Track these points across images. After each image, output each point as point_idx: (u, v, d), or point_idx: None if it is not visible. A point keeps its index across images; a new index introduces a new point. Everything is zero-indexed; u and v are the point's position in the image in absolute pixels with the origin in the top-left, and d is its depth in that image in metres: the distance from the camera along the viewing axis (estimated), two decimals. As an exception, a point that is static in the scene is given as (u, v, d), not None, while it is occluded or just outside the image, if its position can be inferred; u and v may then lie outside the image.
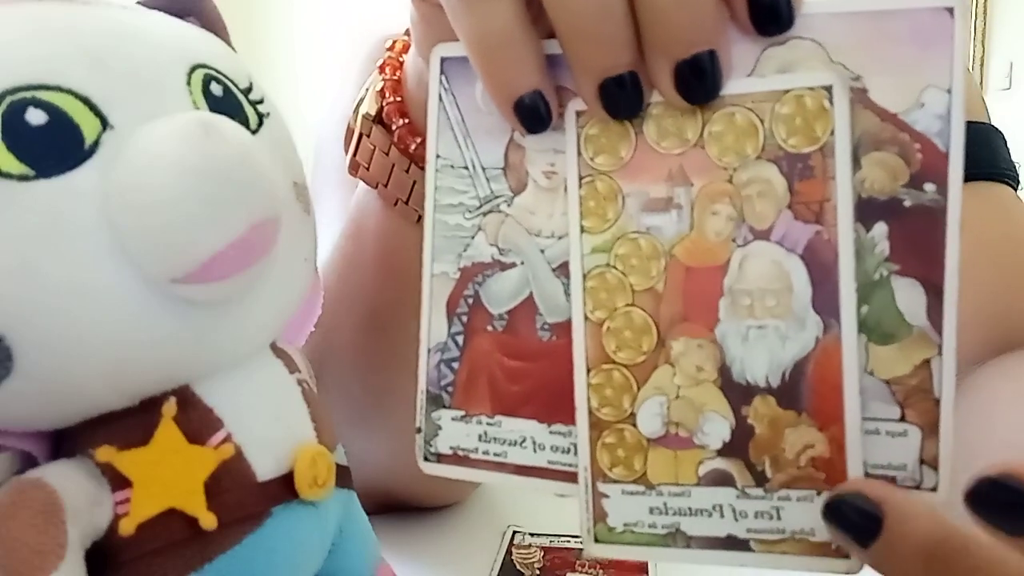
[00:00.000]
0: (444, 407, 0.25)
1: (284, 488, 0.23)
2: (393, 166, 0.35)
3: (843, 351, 0.22)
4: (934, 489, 0.22)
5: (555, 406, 0.24)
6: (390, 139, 0.35)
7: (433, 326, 0.25)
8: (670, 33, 0.22)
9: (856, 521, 0.20)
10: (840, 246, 0.22)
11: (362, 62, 0.66)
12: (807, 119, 0.22)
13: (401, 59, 0.36)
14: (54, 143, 0.19)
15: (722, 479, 0.23)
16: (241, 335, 0.23)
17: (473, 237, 0.25)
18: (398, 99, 0.35)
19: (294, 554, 0.23)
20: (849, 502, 0.21)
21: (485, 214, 0.25)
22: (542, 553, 0.41)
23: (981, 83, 2.38)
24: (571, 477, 0.24)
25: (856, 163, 0.22)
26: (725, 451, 0.23)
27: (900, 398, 0.22)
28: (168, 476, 0.21)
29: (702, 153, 0.23)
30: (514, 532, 0.43)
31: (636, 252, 0.23)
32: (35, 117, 0.19)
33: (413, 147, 0.34)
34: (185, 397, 0.22)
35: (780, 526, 0.22)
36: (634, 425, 0.23)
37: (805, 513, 0.22)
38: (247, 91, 0.24)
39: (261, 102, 0.24)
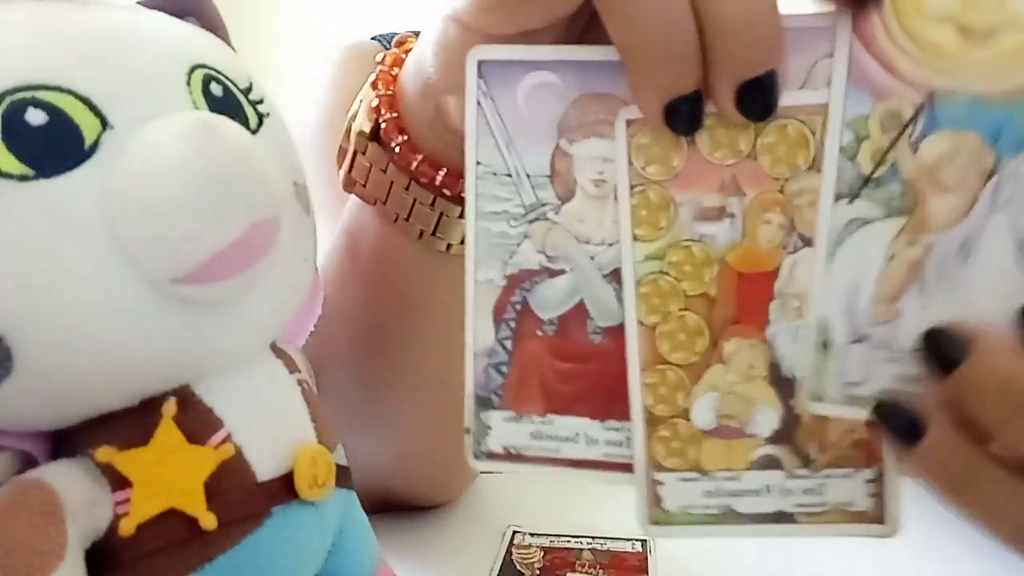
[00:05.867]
0: (494, 408, 0.26)
1: (284, 488, 0.23)
2: (392, 183, 0.34)
3: None
4: None
5: (608, 403, 0.25)
6: (388, 157, 0.34)
7: (479, 331, 0.26)
8: (737, 54, 0.22)
9: (945, 350, 0.22)
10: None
11: (332, 71, 0.66)
12: None
13: (394, 72, 0.34)
14: (54, 143, 0.19)
15: (771, 463, 0.24)
16: (241, 335, 0.23)
17: (519, 244, 0.25)
18: (394, 115, 0.34)
19: (294, 554, 0.23)
20: (944, 331, 0.22)
21: (531, 221, 0.25)
22: (542, 553, 0.41)
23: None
24: (626, 468, 0.25)
25: None
26: (774, 439, 0.24)
27: None
28: (168, 476, 0.21)
29: (754, 164, 0.24)
30: (514, 532, 0.43)
31: (689, 259, 0.24)
32: (35, 117, 0.19)
33: (415, 164, 0.33)
34: (185, 397, 0.22)
35: (823, 500, 0.24)
36: (688, 419, 0.24)
37: (846, 487, 0.24)
38: (247, 91, 0.24)
39: (261, 102, 0.24)
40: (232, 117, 0.22)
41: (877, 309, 0.23)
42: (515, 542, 0.42)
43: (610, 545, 0.41)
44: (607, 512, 0.43)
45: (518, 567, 0.40)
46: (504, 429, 0.26)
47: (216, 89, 0.23)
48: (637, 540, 0.42)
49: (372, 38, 0.68)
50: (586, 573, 0.39)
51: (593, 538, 0.42)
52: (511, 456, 0.26)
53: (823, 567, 0.39)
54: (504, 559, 0.40)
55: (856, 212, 0.23)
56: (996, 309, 0.22)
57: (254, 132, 0.23)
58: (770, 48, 0.22)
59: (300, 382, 0.25)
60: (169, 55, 0.22)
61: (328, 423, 0.25)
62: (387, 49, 0.72)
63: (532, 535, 0.43)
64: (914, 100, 0.22)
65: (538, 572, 0.39)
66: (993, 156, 0.22)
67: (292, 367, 0.25)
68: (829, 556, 0.39)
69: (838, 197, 0.23)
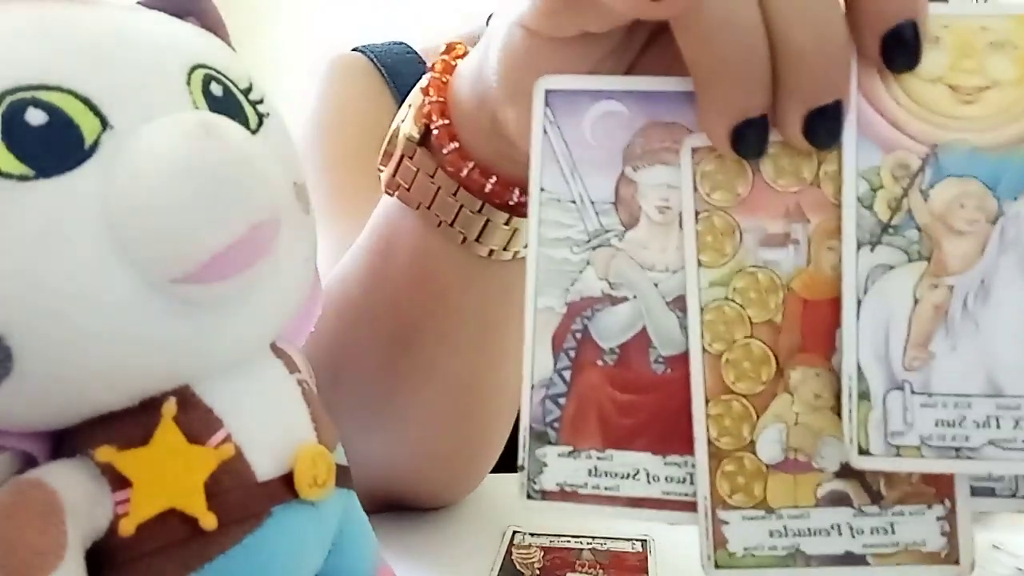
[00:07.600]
0: (550, 443, 0.25)
1: (284, 488, 0.23)
2: (439, 189, 0.34)
3: None
4: None
5: (669, 437, 0.24)
6: (437, 163, 0.34)
7: (537, 362, 0.25)
8: (807, 82, 0.22)
9: None
10: None
11: (319, 83, 0.67)
12: None
13: (445, 79, 0.34)
14: (54, 143, 0.19)
15: (839, 499, 0.24)
16: (241, 335, 0.23)
17: (581, 271, 0.25)
18: (446, 122, 0.34)
19: (294, 554, 0.23)
20: None
21: (594, 248, 0.25)
22: (542, 553, 0.41)
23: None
24: (687, 507, 0.24)
25: None
26: (842, 473, 0.24)
27: None
28: (168, 476, 0.21)
29: (818, 191, 0.24)
30: (514, 532, 0.43)
31: (754, 286, 0.24)
32: (35, 117, 0.19)
33: (465, 172, 0.33)
34: (185, 397, 0.22)
35: (895, 539, 0.24)
36: (753, 452, 0.24)
37: (918, 525, 0.24)
38: (247, 91, 0.24)
39: (261, 102, 0.24)
40: (232, 117, 0.22)
41: (910, 355, 0.23)
42: (515, 542, 0.42)
43: (610, 545, 0.42)
44: (607, 512, 0.43)
45: (518, 567, 0.40)
46: (560, 465, 0.25)
47: (216, 89, 0.23)
48: (637, 540, 0.42)
49: (354, 49, 0.69)
50: (586, 573, 0.39)
51: (593, 538, 0.42)
52: (567, 495, 0.25)
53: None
54: (504, 559, 0.40)
55: (879, 259, 0.23)
56: (1018, 347, 0.22)
57: (254, 132, 0.23)
58: (839, 77, 0.23)
59: (300, 382, 0.25)
60: (169, 55, 0.22)
61: (328, 423, 0.25)
62: (370, 59, 0.72)
63: (532, 535, 0.43)
64: (919, 151, 0.23)
65: (538, 572, 0.39)
66: (996, 201, 0.23)
67: (292, 367, 0.25)
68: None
69: (860, 245, 0.23)
